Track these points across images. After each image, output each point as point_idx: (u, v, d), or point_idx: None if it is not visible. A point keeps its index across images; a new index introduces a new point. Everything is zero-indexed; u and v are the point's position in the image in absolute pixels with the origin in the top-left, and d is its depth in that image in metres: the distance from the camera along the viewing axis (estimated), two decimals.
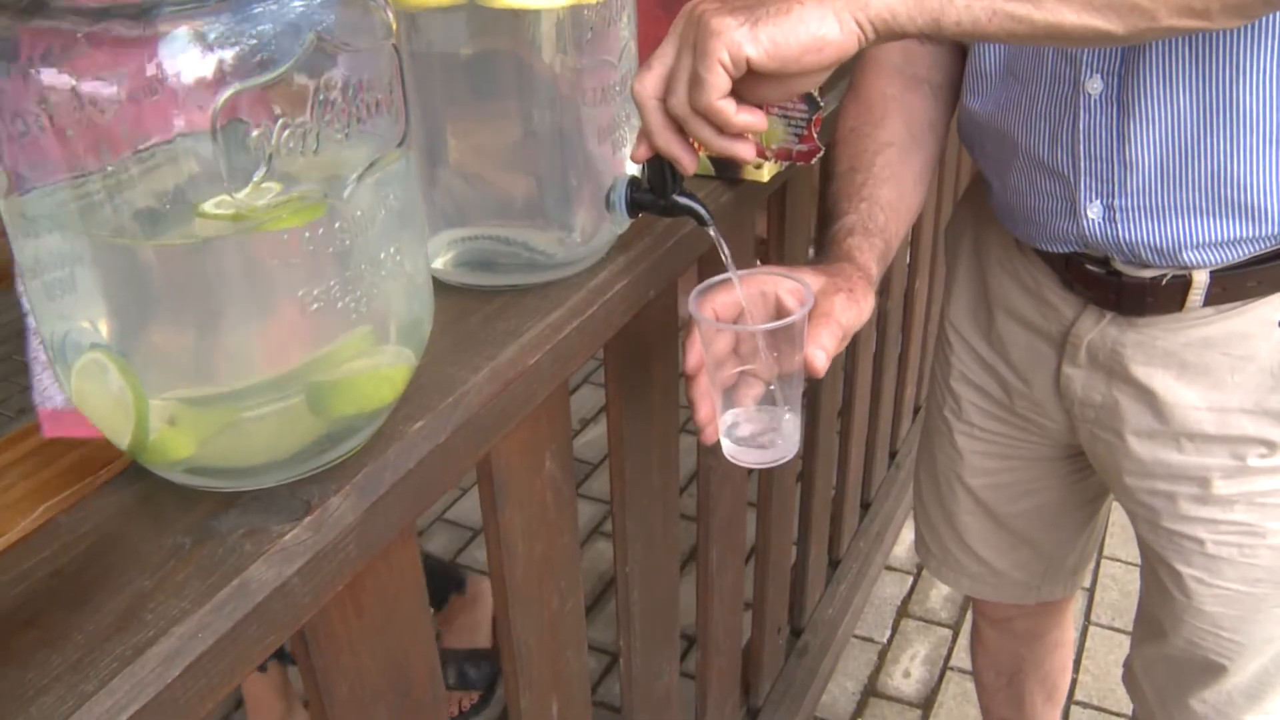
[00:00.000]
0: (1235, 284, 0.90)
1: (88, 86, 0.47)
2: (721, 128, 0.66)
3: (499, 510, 0.79)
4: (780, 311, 0.75)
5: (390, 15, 0.54)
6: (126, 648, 0.46)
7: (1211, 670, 1.05)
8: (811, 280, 0.77)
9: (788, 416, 0.74)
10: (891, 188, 0.93)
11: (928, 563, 1.36)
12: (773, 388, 0.74)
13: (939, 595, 2.21)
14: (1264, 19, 0.77)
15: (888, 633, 2.14)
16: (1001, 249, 1.07)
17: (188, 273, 0.51)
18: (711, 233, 0.74)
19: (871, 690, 2.02)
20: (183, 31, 0.46)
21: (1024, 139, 0.93)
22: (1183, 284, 0.91)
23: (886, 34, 0.66)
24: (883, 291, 1.92)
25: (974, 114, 0.99)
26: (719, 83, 0.63)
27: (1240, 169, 0.82)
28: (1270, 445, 0.94)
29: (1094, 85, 0.85)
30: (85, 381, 0.56)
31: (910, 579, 2.27)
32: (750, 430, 0.75)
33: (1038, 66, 0.89)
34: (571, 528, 0.91)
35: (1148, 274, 0.92)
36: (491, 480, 0.77)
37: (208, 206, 0.50)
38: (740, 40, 0.62)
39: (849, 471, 1.92)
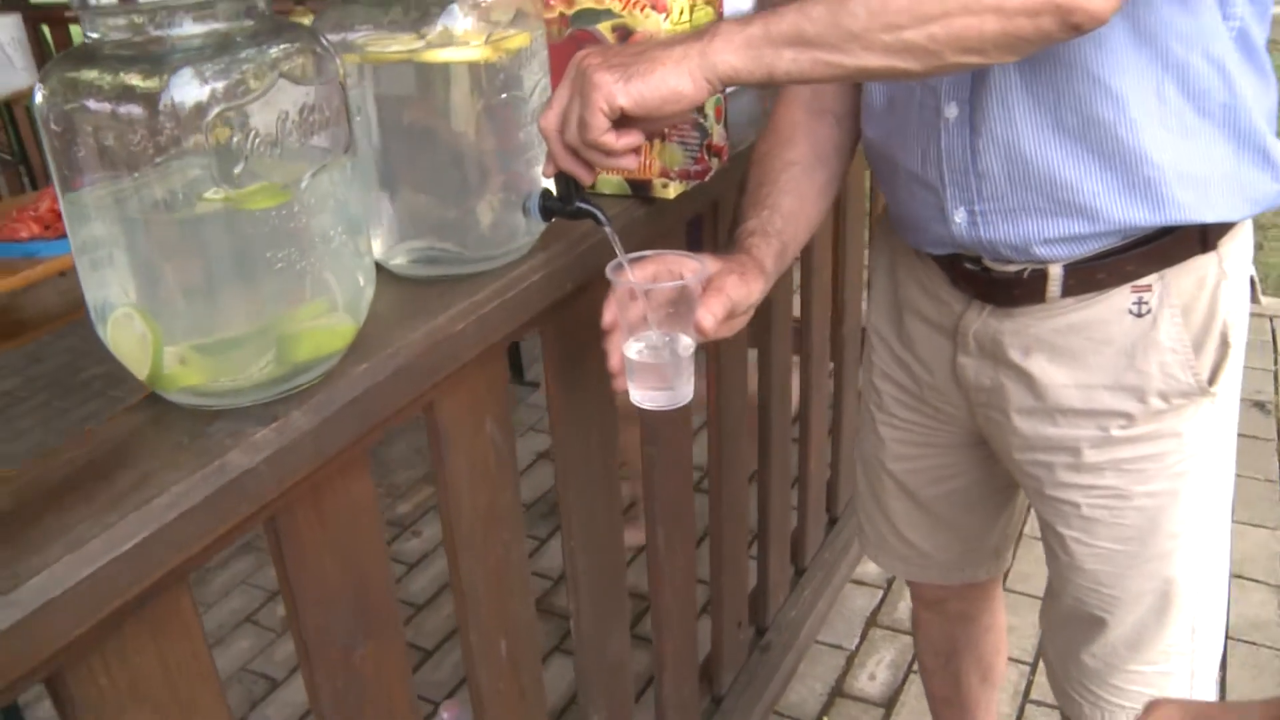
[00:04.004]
0: (1085, 276, 1.06)
1: (123, 110, 0.68)
2: (607, 154, 0.86)
3: (445, 460, 0.99)
4: None
5: (338, 61, 0.74)
6: (140, 499, 0.66)
7: (1096, 624, 1.20)
8: (711, 264, 0.97)
9: (685, 356, 0.92)
10: (793, 199, 1.12)
11: (866, 548, 1.52)
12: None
13: (907, 606, 2.36)
14: (1072, 52, 0.95)
15: (857, 640, 2.29)
16: (907, 258, 1.25)
17: (195, 242, 0.71)
18: (607, 230, 0.93)
19: (838, 691, 2.17)
20: (188, 71, 0.67)
21: (903, 158, 1.11)
22: (1041, 277, 1.07)
23: (732, 85, 0.86)
24: (840, 320, 2.11)
25: (869, 140, 1.18)
26: (600, 124, 0.83)
27: (1072, 176, 1.00)
28: (1128, 417, 1.10)
29: (951, 111, 1.04)
30: (118, 331, 0.77)
31: (880, 592, 2.42)
32: (651, 357, 0.93)
33: (909, 99, 1.08)
34: (512, 486, 1.09)
35: (1011, 269, 1.09)
36: (438, 430, 0.96)
37: (208, 195, 0.70)
38: (615, 93, 0.83)
39: (809, 487, 2.09)
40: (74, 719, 0.69)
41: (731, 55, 0.84)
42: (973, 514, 1.40)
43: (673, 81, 0.83)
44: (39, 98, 0.71)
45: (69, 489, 0.68)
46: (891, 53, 0.83)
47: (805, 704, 2.14)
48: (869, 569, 2.47)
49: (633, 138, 0.86)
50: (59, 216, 2.24)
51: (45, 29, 4.09)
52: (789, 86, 1.20)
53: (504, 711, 1.17)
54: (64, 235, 2.14)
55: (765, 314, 1.75)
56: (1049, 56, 0.97)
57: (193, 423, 0.75)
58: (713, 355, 1.53)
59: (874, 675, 2.20)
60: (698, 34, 0.85)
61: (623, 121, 0.85)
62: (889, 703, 2.13)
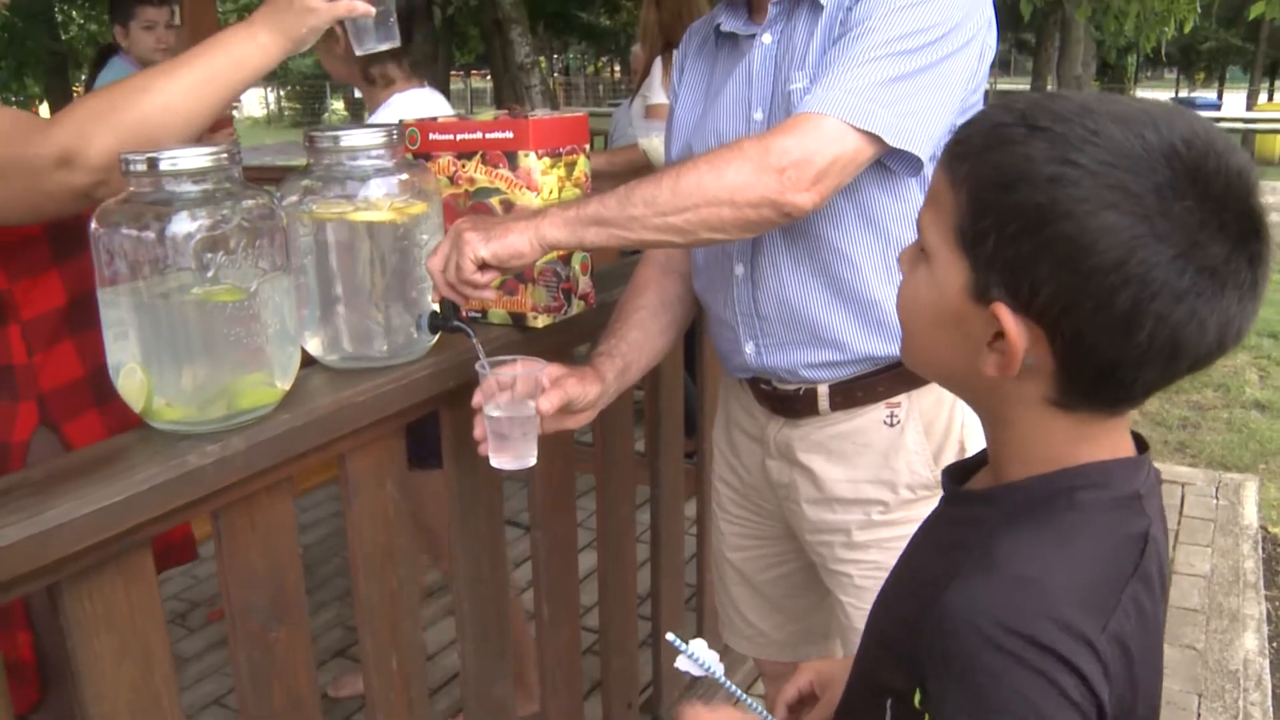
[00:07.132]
0: (847, 393, 1.44)
1: (143, 235, 1.09)
2: (473, 287, 1.26)
3: (352, 503, 1.36)
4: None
5: (282, 213, 1.16)
6: (125, 476, 1.04)
7: None
8: (556, 370, 1.35)
9: (527, 417, 1.29)
10: (639, 332, 1.52)
11: (720, 629, 1.84)
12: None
13: None
14: (819, 229, 1.34)
15: None
16: (730, 383, 1.64)
17: (182, 322, 1.11)
18: (473, 341, 1.33)
19: None
20: (184, 213, 1.08)
21: (713, 305, 1.52)
22: (813, 394, 1.45)
23: (556, 248, 1.26)
24: None
25: (696, 291, 1.59)
26: (469, 267, 1.24)
27: (825, 317, 1.39)
28: (885, 504, 1.45)
29: (739, 270, 1.45)
30: (125, 380, 1.16)
31: None
32: (504, 413, 1.29)
33: (715, 261, 1.49)
34: (407, 534, 1.45)
35: (790, 387, 1.47)
36: (348, 479, 1.34)
37: (192, 291, 1.10)
38: (478, 247, 1.23)
39: (706, 595, 2.41)
40: (67, 628, 1.04)
41: (554, 230, 1.25)
42: (800, 598, 1.72)
43: (516, 243, 1.24)
44: (93, 228, 1.13)
45: (81, 471, 1.06)
46: (661, 230, 1.24)
47: None
48: None
49: (490, 276, 1.26)
50: None
51: None
52: (648, 252, 1.62)
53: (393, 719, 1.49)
54: None
55: (656, 429, 2.13)
56: (803, 232, 1.37)
57: (168, 440, 1.13)
58: (598, 437, 1.90)
59: None
60: (537, 213, 1.26)
61: (484, 267, 1.26)
62: None
